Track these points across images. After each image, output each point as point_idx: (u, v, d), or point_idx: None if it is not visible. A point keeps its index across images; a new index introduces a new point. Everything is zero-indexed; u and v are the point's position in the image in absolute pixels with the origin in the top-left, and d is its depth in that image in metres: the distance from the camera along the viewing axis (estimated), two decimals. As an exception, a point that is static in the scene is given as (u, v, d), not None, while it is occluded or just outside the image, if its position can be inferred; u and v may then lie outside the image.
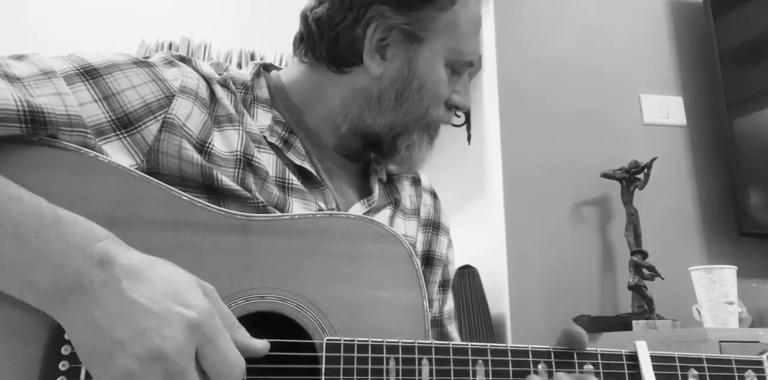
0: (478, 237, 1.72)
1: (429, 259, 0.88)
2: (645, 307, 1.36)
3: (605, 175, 1.52)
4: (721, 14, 1.69)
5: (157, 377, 0.43)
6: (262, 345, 0.50)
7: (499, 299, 1.51)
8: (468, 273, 1.55)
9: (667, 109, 1.70)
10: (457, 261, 1.58)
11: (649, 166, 1.48)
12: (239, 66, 1.91)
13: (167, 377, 0.43)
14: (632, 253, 1.42)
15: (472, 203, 1.80)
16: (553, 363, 0.59)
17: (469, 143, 1.85)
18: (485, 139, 1.69)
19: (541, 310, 1.46)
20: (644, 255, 1.41)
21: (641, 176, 1.49)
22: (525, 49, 1.68)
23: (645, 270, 1.39)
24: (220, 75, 0.72)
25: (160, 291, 0.45)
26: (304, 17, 0.77)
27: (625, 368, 0.61)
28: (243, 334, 0.49)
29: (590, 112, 1.66)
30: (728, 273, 1.25)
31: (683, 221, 1.62)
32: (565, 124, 1.63)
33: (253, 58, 1.98)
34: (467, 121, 1.85)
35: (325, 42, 0.75)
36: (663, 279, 1.38)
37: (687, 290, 1.32)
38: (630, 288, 1.39)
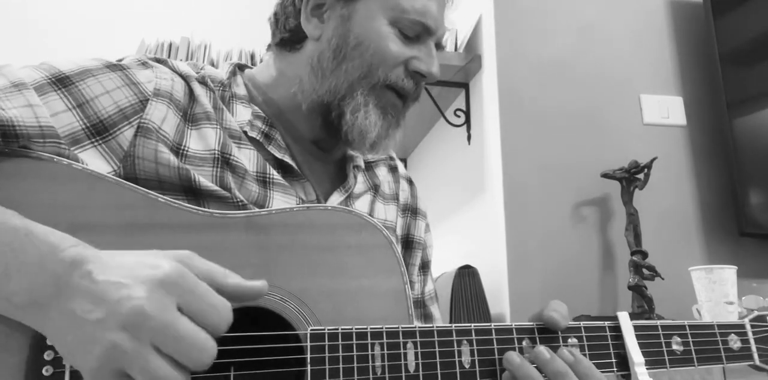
0: (478, 237, 1.72)
1: (408, 242, 0.90)
2: (645, 307, 1.36)
3: (605, 175, 1.52)
4: (721, 14, 1.68)
5: (147, 338, 0.41)
6: (261, 284, 0.48)
7: (499, 299, 1.51)
8: (468, 273, 1.55)
9: (667, 109, 1.70)
10: (457, 261, 1.59)
11: (649, 166, 1.48)
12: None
13: (157, 335, 0.41)
14: (632, 253, 1.42)
15: (472, 203, 1.80)
16: (537, 338, 0.59)
17: (469, 143, 1.84)
18: (485, 139, 1.69)
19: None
20: (644, 255, 1.41)
21: (641, 176, 1.49)
22: (525, 49, 1.68)
23: (645, 270, 1.39)
24: (197, 73, 0.73)
25: (128, 266, 0.44)
26: (269, 19, 0.81)
27: (609, 339, 0.62)
28: (235, 278, 0.48)
29: (590, 112, 1.66)
30: (728, 273, 1.25)
31: (683, 221, 1.62)
32: (565, 124, 1.63)
33: (253, 58, 1.98)
34: (467, 121, 1.85)
35: (280, 28, 0.78)
36: (663, 279, 1.38)
37: (687, 290, 1.32)
38: (630, 288, 1.38)
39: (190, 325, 0.42)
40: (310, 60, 0.75)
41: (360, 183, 0.82)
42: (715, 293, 1.24)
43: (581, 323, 0.62)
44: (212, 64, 1.95)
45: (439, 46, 0.79)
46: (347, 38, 0.73)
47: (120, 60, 0.69)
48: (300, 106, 0.75)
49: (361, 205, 0.80)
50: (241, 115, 0.73)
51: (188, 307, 0.43)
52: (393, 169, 0.92)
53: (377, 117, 0.73)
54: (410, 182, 0.95)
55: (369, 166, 0.87)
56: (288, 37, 0.78)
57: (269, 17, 0.81)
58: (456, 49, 1.82)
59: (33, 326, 0.45)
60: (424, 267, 0.92)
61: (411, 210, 0.92)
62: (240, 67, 0.82)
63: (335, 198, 0.76)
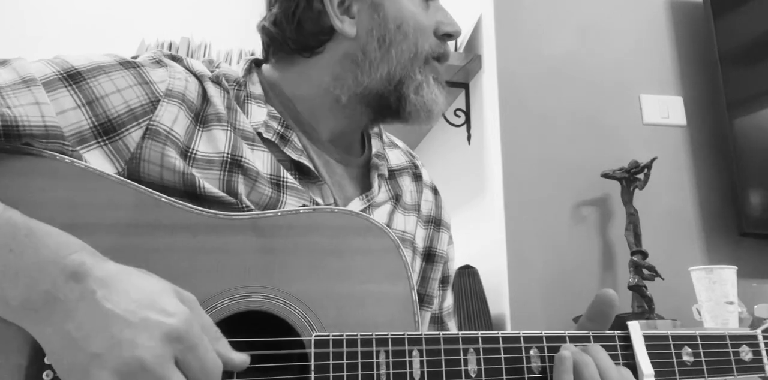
0: (478, 237, 1.72)
1: (430, 256, 0.87)
2: (645, 307, 1.36)
3: (605, 175, 1.52)
4: (721, 14, 1.68)
5: None
6: (240, 359, 0.49)
7: (499, 299, 1.51)
8: (468, 273, 1.55)
9: (667, 109, 1.70)
10: (457, 261, 1.58)
11: (649, 166, 1.48)
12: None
13: None
14: (632, 253, 1.42)
15: (472, 203, 1.80)
16: (545, 347, 0.58)
17: (469, 143, 1.84)
18: (485, 139, 1.69)
19: (541, 310, 1.46)
20: (644, 255, 1.41)
21: (641, 176, 1.49)
22: (525, 49, 1.67)
23: (645, 270, 1.39)
24: (212, 72, 0.71)
25: (136, 301, 0.44)
26: (262, 28, 0.78)
27: (618, 349, 0.61)
28: (224, 346, 0.48)
29: (590, 112, 1.66)
30: (728, 273, 1.25)
31: (683, 221, 1.62)
32: (565, 124, 1.63)
33: (253, 58, 1.98)
34: (467, 121, 1.85)
35: (290, 35, 0.75)
36: (663, 279, 1.38)
37: (687, 290, 1.32)
38: (630, 288, 1.38)
39: None
40: (348, 57, 0.74)
41: (382, 192, 0.80)
42: (715, 293, 1.24)
43: (590, 332, 0.60)
44: (212, 64, 1.94)
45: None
46: (387, 24, 0.73)
47: (135, 57, 0.67)
48: (329, 102, 0.75)
49: (380, 215, 0.78)
50: (256, 115, 0.71)
51: (185, 364, 0.44)
52: (417, 178, 0.90)
53: (439, 89, 0.75)
54: (435, 191, 0.93)
55: (392, 175, 0.85)
56: (303, 41, 0.75)
57: (260, 27, 0.78)
58: (456, 49, 1.82)
59: (29, 331, 0.45)
60: (444, 281, 0.89)
61: (435, 222, 0.89)
62: (257, 63, 0.80)
63: (355, 205, 0.74)
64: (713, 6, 1.68)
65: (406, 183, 0.87)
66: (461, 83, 1.85)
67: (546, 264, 1.50)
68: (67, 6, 2.34)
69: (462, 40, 1.84)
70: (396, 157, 0.88)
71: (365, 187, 0.79)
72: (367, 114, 0.77)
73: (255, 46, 1.99)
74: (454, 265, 0.93)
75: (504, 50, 1.66)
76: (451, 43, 1.79)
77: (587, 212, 1.57)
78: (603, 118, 1.66)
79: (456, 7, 2.01)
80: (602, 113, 1.66)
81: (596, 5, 1.76)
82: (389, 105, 0.74)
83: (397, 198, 0.82)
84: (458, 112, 1.84)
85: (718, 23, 1.67)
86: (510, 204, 1.53)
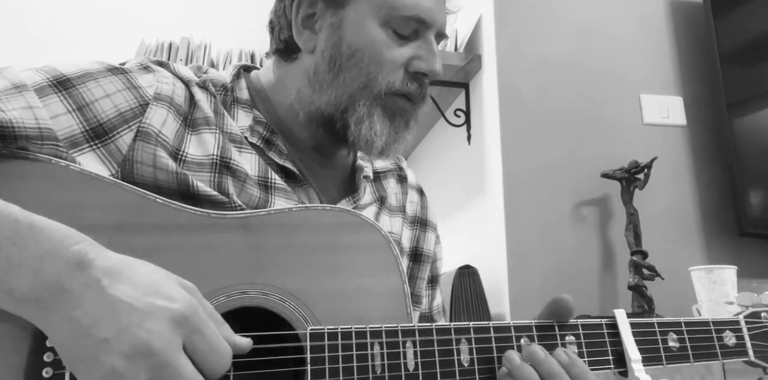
0: (478, 237, 1.72)
1: (417, 256, 0.88)
2: (645, 307, 1.36)
3: (605, 175, 1.52)
4: (721, 14, 1.68)
5: (146, 372, 0.42)
6: (245, 342, 0.50)
7: (499, 299, 1.51)
8: (468, 273, 1.55)
9: (667, 109, 1.70)
10: (457, 261, 1.59)
11: (649, 166, 1.48)
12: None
13: (156, 371, 0.42)
14: (632, 253, 1.42)
15: (472, 203, 1.80)
16: (535, 336, 0.60)
17: (469, 143, 1.84)
18: (485, 139, 1.69)
19: (541, 310, 1.46)
20: (644, 255, 1.41)
21: (641, 176, 1.49)
22: (525, 49, 1.68)
23: (645, 270, 1.39)
24: (199, 77, 0.72)
25: (141, 288, 0.45)
26: (269, 21, 0.79)
27: (606, 336, 0.62)
28: (227, 331, 0.49)
29: (590, 112, 1.66)
30: (728, 273, 1.25)
31: (683, 221, 1.62)
32: (565, 123, 1.63)
33: (253, 58, 1.98)
34: (467, 121, 1.85)
35: (275, 38, 0.77)
36: (663, 279, 1.38)
37: (687, 290, 1.32)
38: (630, 288, 1.38)
39: (189, 367, 0.44)
40: (306, 72, 0.73)
41: (367, 194, 0.80)
42: (715, 293, 1.24)
43: (578, 321, 0.62)
44: (212, 65, 1.95)
45: (441, 36, 0.75)
46: (340, 48, 0.70)
47: (122, 63, 0.68)
48: (297, 115, 0.74)
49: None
50: (242, 120, 0.72)
51: (193, 347, 0.45)
52: (402, 180, 0.90)
53: (383, 124, 0.70)
54: (421, 193, 0.93)
55: (377, 177, 0.85)
56: (283, 47, 0.76)
57: (267, 24, 0.80)
58: (456, 49, 1.82)
59: (33, 322, 0.45)
60: (433, 281, 0.90)
61: (420, 223, 0.90)
62: (246, 68, 0.81)
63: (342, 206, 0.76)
64: (713, 6, 1.68)
65: (391, 185, 0.87)
66: (461, 83, 1.86)
67: (546, 264, 1.50)
68: (67, 6, 2.34)
69: (462, 40, 1.84)
70: (381, 160, 0.89)
71: (350, 189, 0.80)
72: (326, 137, 0.75)
73: (255, 47, 1.99)
74: (443, 265, 0.94)
75: (504, 50, 1.66)
76: (450, 44, 1.80)
77: (587, 212, 1.57)
78: (603, 118, 1.66)
79: (456, 7, 2.01)
80: (602, 113, 1.66)
81: (596, 5, 1.76)
82: (337, 131, 0.72)
83: (382, 201, 0.83)
84: (458, 112, 1.84)
85: (718, 23, 1.67)
86: (510, 204, 1.53)
